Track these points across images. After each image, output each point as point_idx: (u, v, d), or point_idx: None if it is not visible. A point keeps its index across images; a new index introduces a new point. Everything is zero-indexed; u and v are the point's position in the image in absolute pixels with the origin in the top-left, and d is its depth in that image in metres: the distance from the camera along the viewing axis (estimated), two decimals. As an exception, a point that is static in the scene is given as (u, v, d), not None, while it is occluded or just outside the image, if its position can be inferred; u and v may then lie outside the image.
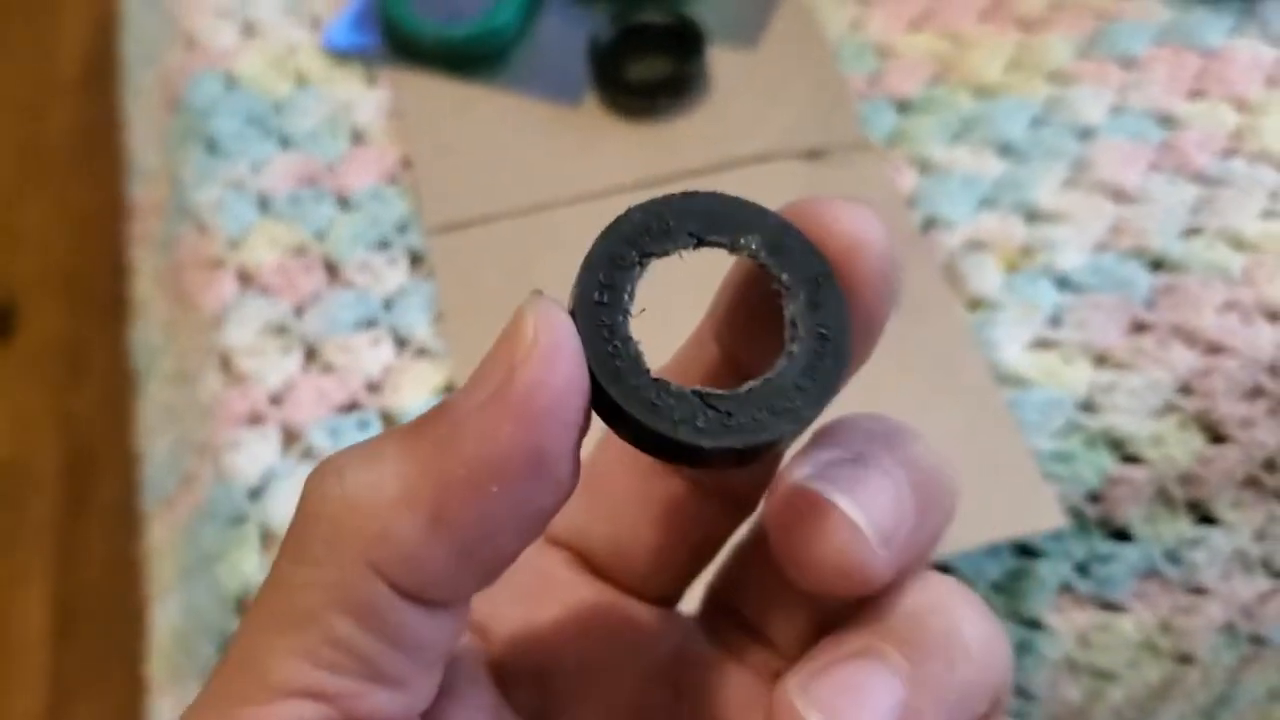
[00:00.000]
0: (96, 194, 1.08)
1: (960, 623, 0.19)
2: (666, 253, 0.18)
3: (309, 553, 0.17)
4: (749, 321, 0.20)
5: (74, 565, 1.01)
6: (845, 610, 0.20)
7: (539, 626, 0.22)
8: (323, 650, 0.17)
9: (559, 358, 0.17)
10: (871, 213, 0.19)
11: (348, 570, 0.17)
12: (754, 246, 0.19)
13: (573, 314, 0.17)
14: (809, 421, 0.18)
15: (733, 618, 0.23)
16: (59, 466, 1.05)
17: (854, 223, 0.19)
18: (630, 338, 0.18)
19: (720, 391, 0.18)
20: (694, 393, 0.17)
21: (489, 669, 0.22)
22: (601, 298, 0.18)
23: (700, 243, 0.18)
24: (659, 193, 0.19)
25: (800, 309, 0.18)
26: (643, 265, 0.18)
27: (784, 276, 0.18)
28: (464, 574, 0.17)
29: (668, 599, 0.23)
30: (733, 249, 0.19)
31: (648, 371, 0.18)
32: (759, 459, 0.18)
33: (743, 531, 0.23)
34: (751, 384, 0.18)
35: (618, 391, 0.17)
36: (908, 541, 0.19)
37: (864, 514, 0.18)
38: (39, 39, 1.28)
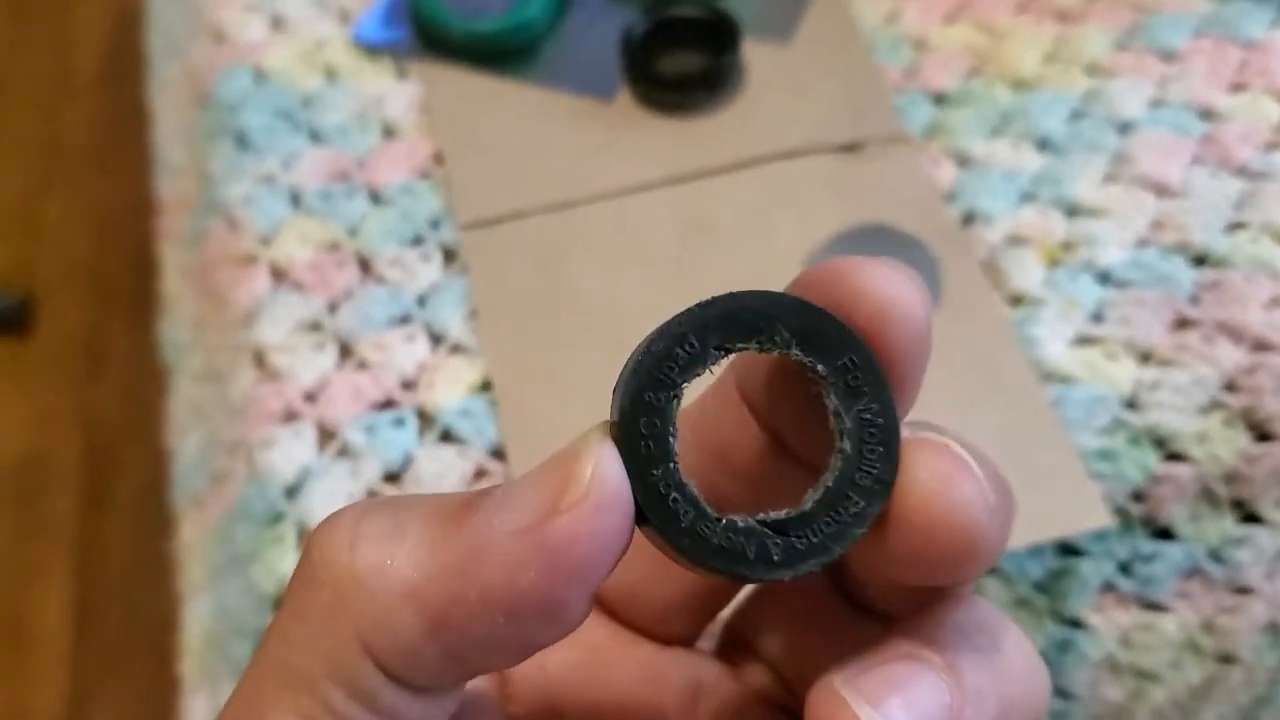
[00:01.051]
0: (117, 190, 1.08)
1: (1004, 642, 0.19)
2: (698, 374, 0.18)
3: (310, 615, 0.17)
4: (790, 405, 0.20)
5: (93, 561, 1.01)
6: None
7: (554, 669, 0.22)
8: (319, 717, 0.17)
9: (606, 516, 0.16)
10: (900, 271, 0.18)
11: (342, 644, 0.17)
12: (783, 342, 0.18)
13: (618, 442, 0.17)
14: (876, 517, 0.18)
15: (751, 654, 0.23)
16: (79, 462, 1.05)
17: (884, 285, 0.18)
18: (685, 484, 0.17)
19: (784, 515, 0.18)
20: (760, 522, 0.17)
21: (506, 711, 0.22)
22: (648, 448, 0.17)
23: (729, 352, 0.18)
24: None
25: (841, 398, 0.18)
26: (678, 399, 0.18)
27: (819, 368, 0.18)
28: (453, 673, 0.18)
29: (685, 640, 0.23)
30: (763, 350, 0.18)
31: (709, 513, 0.17)
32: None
33: None
34: (813, 496, 0.18)
35: (690, 545, 0.17)
36: (1001, 530, 0.18)
37: (980, 468, 0.18)
38: (57, 36, 1.28)
